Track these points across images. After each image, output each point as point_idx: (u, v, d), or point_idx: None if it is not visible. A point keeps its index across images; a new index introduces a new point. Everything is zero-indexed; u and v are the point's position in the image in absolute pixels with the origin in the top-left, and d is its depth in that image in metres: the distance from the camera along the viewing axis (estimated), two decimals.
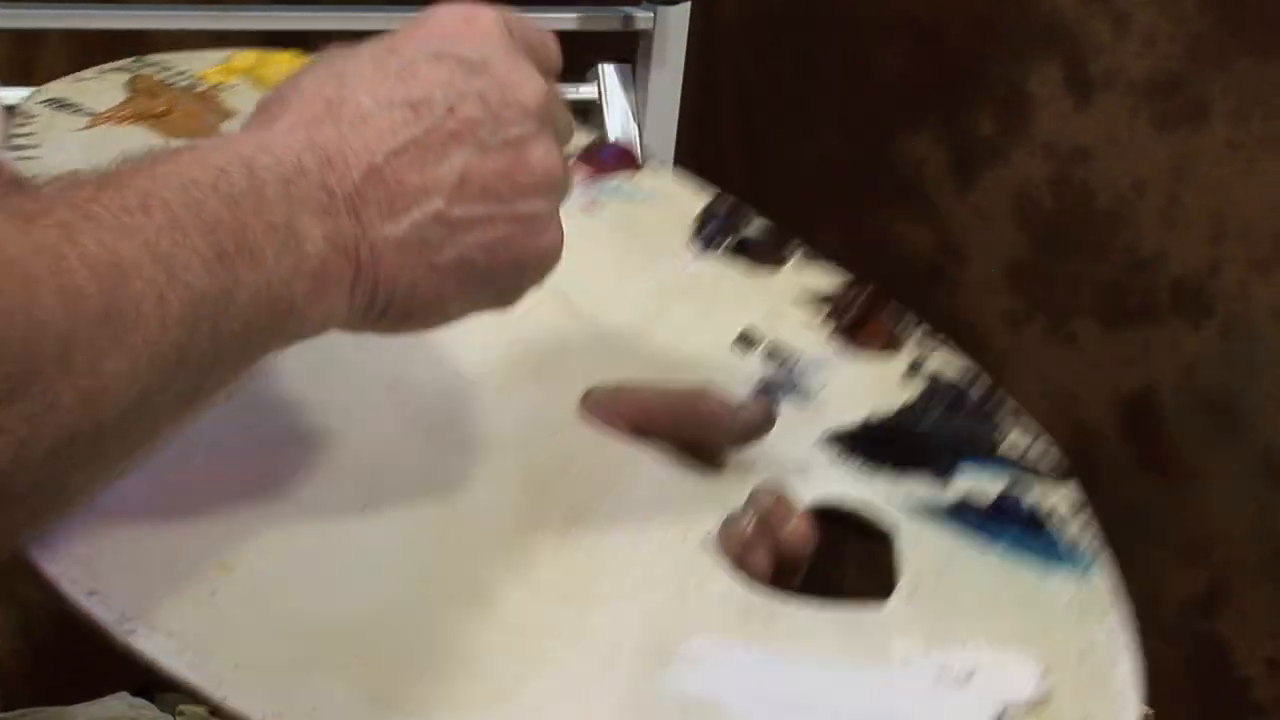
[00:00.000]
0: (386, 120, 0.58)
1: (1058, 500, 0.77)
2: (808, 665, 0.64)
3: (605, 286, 0.80)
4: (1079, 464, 1.67)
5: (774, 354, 0.79)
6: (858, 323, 0.84)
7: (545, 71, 0.62)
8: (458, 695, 0.58)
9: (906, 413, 0.80)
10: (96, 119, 0.78)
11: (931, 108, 1.64)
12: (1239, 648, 1.51)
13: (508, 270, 0.61)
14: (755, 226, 0.87)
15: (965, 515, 0.74)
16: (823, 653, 0.64)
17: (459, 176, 0.58)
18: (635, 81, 1.40)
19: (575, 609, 0.62)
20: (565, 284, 0.73)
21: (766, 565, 0.67)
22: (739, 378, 0.77)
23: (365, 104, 0.58)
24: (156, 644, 0.54)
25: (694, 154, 1.57)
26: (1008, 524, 0.74)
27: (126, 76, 0.82)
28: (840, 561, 0.71)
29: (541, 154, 0.60)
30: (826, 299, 0.85)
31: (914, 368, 0.83)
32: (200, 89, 0.82)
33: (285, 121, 0.57)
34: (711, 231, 0.86)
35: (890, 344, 0.83)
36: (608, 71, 1.39)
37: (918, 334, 0.84)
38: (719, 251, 0.86)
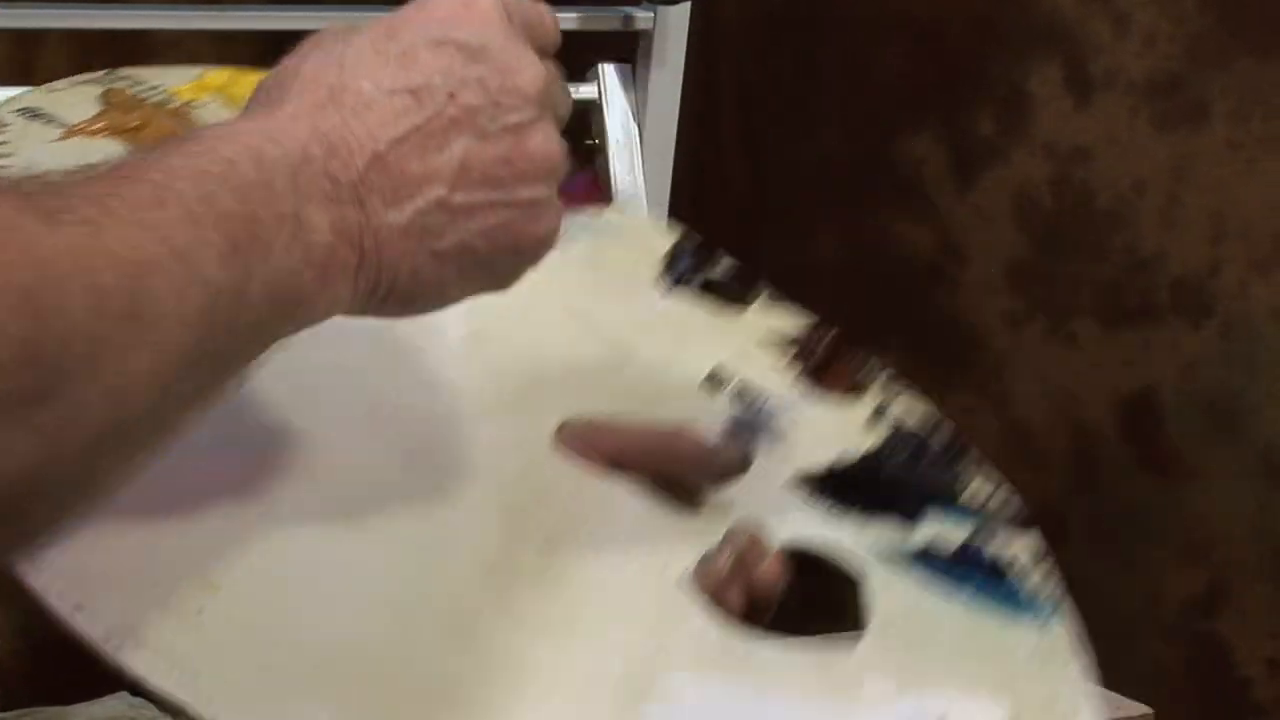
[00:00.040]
0: (389, 107, 0.58)
1: (1019, 549, 0.77)
2: (783, 703, 0.64)
3: (576, 321, 0.80)
4: (1079, 464, 1.67)
5: (742, 394, 0.80)
6: (822, 366, 0.84)
7: (542, 50, 0.62)
8: None
9: (872, 458, 0.80)
10: (71, 130, 0.78)
11: (931, 108, 1.64)
12: (1239, 648, 1.51)
13: (506, 255, 0.61)
14: (722, 267, 0.88)
15: (931, 562, 0.74)
16: (797, 691, 0.65)
17: (460, 163, 0.59)
18: (635, 81, 1.40)
19: (556, 641, 0.62)
20: (537, 317, 0.73)
21: (740, 603, 0.68)
22: (709, 417, 0.77)
23: (367, 90, 0.58)
24: (144, 660, 0.54)
25: (694, 154, 1.57)
26: (971, 572, 0.74)
27: (99, 89, 0.82)
28: (806, 604, 0.71)
29: (540, 140, 0.61)
30: (792, 341, 0.85)
31: (878, 413, 0.83)
32: (173, 105, 0.81)
33: (288, 108, 0.57)
34: (680, 270, 0.86)
35: (854, 388, 0.84)
36: (608, 71, 1.39)
37: (881, 379, 0.85)
38: (687, 289, 0.86)
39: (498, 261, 0.61)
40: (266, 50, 0.61)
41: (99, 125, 0.79)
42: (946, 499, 0.79)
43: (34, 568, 0.54)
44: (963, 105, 1.61)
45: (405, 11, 0.61)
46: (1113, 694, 1.42)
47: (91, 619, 0.54)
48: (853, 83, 1.71)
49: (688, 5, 1.40)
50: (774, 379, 0.82)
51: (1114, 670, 1.57)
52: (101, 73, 0.84)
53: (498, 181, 0.60)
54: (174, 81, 0.83)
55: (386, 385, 0.70)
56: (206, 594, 0.57)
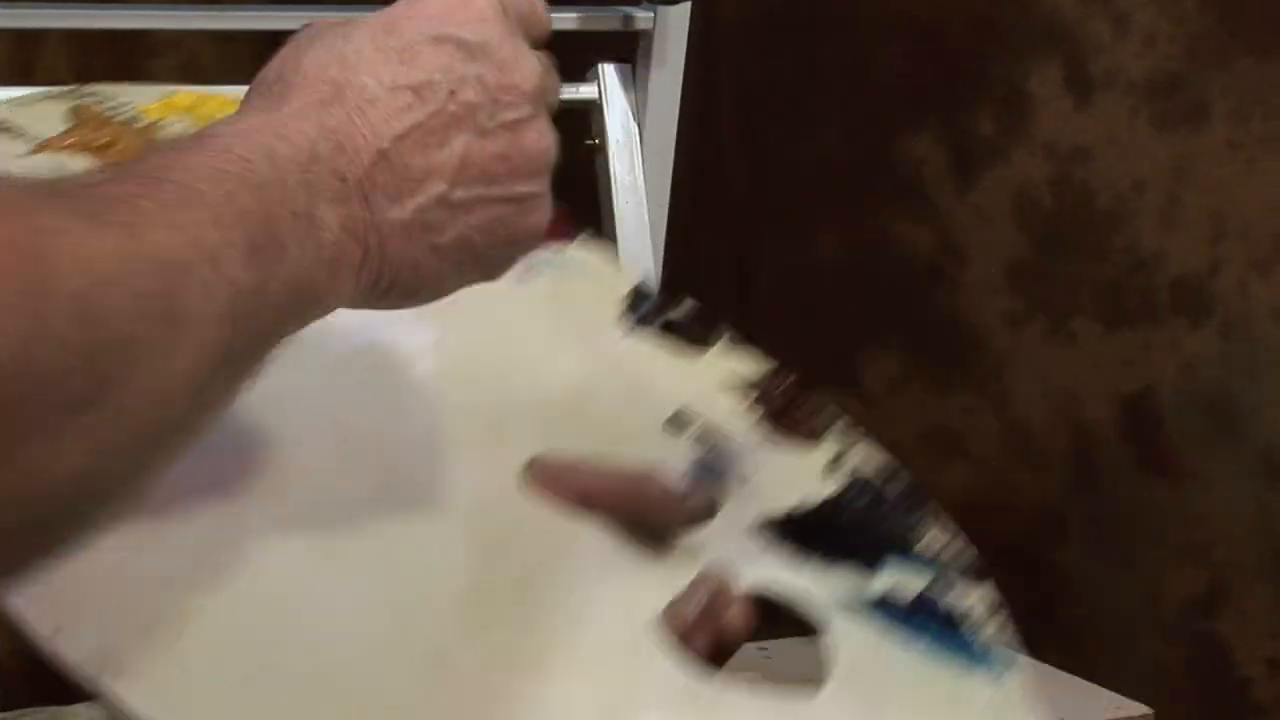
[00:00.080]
0: (391, 104, 0.59)
1: (975, 601, 0.78)
2: None
3: (540, 359, 0.80)
4: (1079, 464, 1.67)
5: (705, 438, 0.80)
6: (781, 411, 0.84)
7: (535, 40, 0.63)
8: None
9: (831, 505, 0.80)
10: (41, 145, 0.78)
11: (931, 108, 1.64)
12: (1239, 648, 1.51)
13: (502, 247, 0.62)
14: (683, 308, 0.88)
15: (889, 610, 0.75)
16: None
17: (460, 160, 0.60)
18: (635, 81, 1.40)
19: (528, 680, 0.63)
20: (501, 353, 0.74)
21: (706, 647, 0.68)
22: (673, 459, 0.77)
23: (370, 87, 0.59)
24: (123, 685, 0.54)
25: (694, 154, 1.57)
26: (927, 622, 0.75)
27: (67, 105, 0.81)
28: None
29: (535, 137, 0.62)
30: (752, 385, 0.86)
31: (836, 460, 0.84)
32: (141, 124, 0.81)
33: (293, 104, 0.58)
34: (642, 310, 0.87)
35: (812, 435, 0.84)
36: (608, 71, 1.39)
37: (839, 426, 0.85)
38: (648, 330, 0.86)
39: (493, 254, 0.62)
40: (266, 50, 0.61)
41: (69, 141, 0.79)
42: (903, 548, 0.79)
43: (11, 590, 0.54)
44: (963, 105, 1.62)
45: (401, 7, 0.61)
46: (1113, 694, 1.42)
47: (71, 642, 0.54)
48: (853, 83, 1.71)
49: (688, 5, 1.40)
50: (735, 423, 0.82)
51: (1114, 670, 1.57)
52: (68, 87, 0.84)
53: (495, 177, 0.61)
54: (142, 100, 0.83)
55: (357, 416, 0.71)
56: (186, 620, 0.58)
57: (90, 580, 0.56)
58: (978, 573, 0.79)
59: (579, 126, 1.37)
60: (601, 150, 1.38)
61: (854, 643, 0.72)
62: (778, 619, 0.73)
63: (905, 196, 1.67)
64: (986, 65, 1.59)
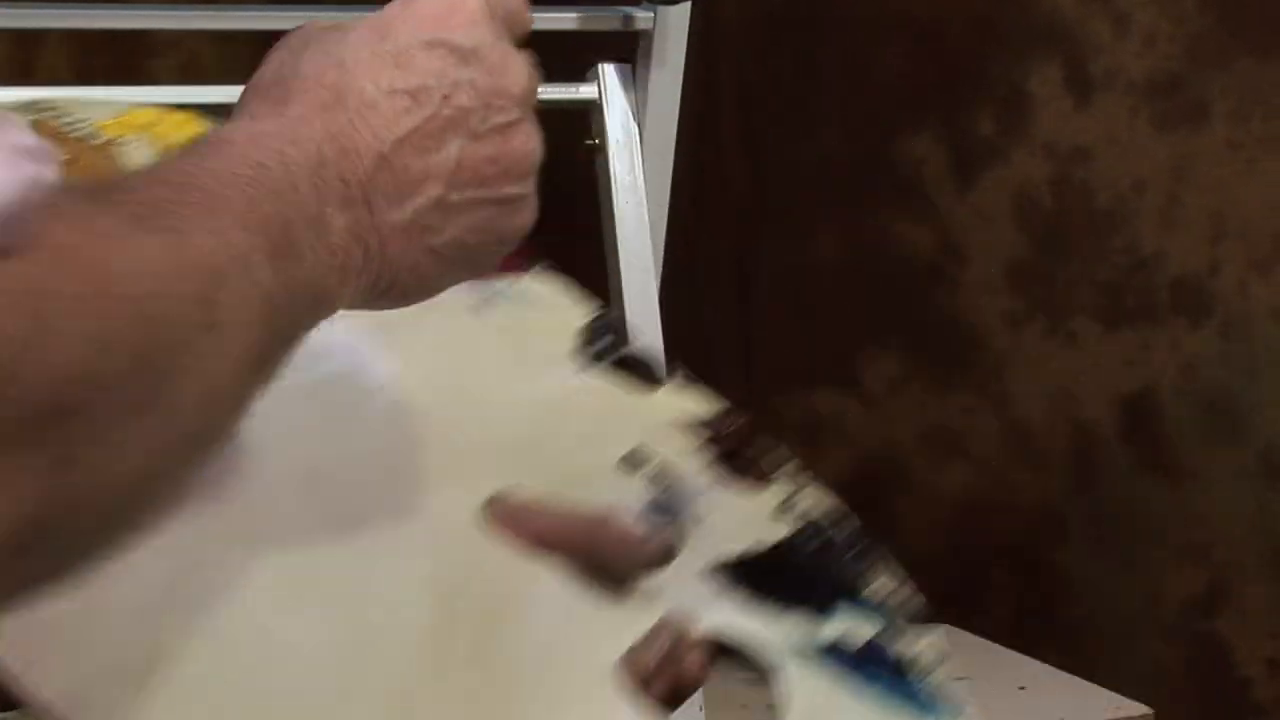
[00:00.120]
0: (390, 108, 0.60)
1: (924, 648, 0.78)
2: None
3: (496, 395, 0.80)
4: (1079, 464, 1.67)
5: (659, 477, 0.80)
6: (732, 452, 0.85)
7: (517, 39, 0.65)
8: None
9: (783, 548, 0.81)
10: None
11: (931, 108, 1.64)
12: (1239, 648, 1.51)
13: (491, 248, 0.64)
14: (637, 344, 0.88)
15: (841, 656, 0.75)
16: None
17: (455, 163, 0.61)
18: (635, 81, 1.40)
19: None
20: (458, 388, 0.75)
21: (664, 693, 0.69)
22: (628, 498, 0.78)
23: (369, 91, 0.59)
24: None
25: (694, 154, 1.57)
26: (878, 670, 0.75)
27: (26, 119, 0.82)
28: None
29: (523, 139, 0.63)
30: (704, 424, 0.86)
31: (786, 504, 0.84)
32: (98, 141, 0.81)
33: (296, 109, 0.59)
34: (598, 346, 0.87)
35: (762, 477, 0.84)
36: (608, 71, 1.39)
37: (789, 468, 0.85)
38: (601, 365, 0.86)
39: (482, 254, 0.64)
40: (266, 50, 0.61)
41: None
42: (853, 593, 0.80)
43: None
44: (963, 105, 1.62)
45: (393, 10, 0.62)
46: (1113, 694, 1.42)
47: (41, 679, 0.55)
48: (853, 83, 1.71)
49: (688, 5, 1.39)
50: (689, 462, 0.83)
51: (1114, 670, 1.57)
52: (26, 102, 0.84)
53: (486, 179, 0.62)
54: (99, 116, 0.84)
55: (320, 451, 0.71)
56: (153, 660, 0.58)
57: (57, 615, 0.56)
58: (926, 620, 0.79)
59: (579, 126, 1.37)
60: (601, 150, 1.38)
61: (808, 690, 0.73)
62: (731, 663, 0.73)
63: (905, 196, 1.67)
64: (986, 65, 1.59)
